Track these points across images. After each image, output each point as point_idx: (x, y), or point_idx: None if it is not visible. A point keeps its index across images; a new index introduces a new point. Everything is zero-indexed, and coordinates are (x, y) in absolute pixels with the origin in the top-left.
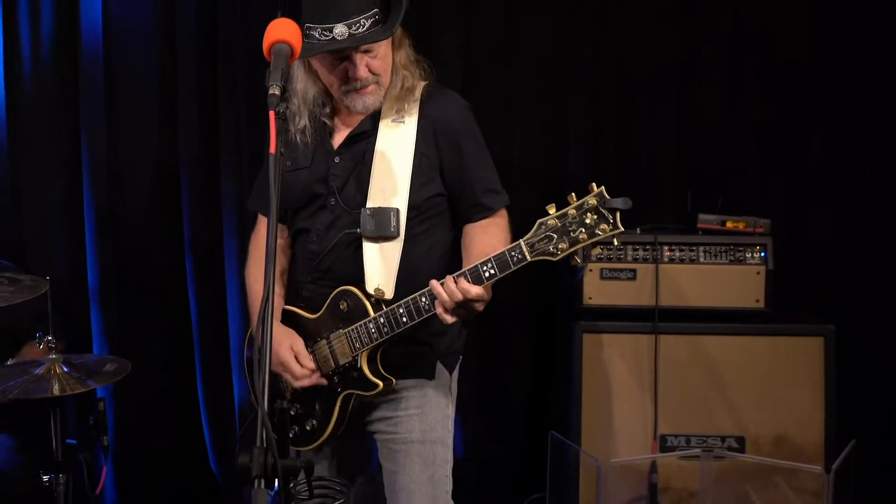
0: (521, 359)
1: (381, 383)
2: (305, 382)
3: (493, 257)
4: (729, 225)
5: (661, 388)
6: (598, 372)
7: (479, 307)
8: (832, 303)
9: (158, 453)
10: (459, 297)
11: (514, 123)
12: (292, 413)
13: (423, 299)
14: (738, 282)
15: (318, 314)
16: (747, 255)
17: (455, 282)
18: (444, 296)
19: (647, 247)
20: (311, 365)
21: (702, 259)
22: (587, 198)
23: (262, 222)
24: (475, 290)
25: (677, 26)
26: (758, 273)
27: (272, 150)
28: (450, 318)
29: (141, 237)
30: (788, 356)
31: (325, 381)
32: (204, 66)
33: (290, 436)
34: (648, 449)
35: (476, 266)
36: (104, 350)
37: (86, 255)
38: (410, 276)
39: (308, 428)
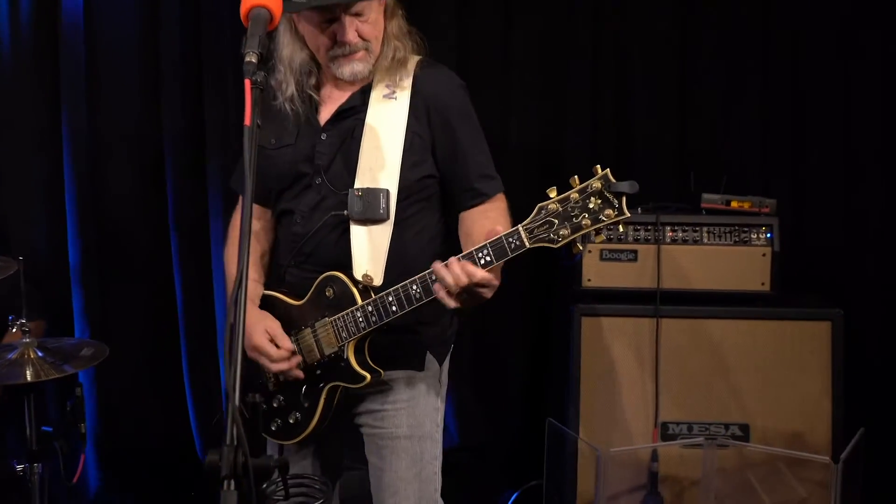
0: (516, 343)
1: (368, 375)
2: (284, 366)
3: (489, 243)
4: (734, 205)
5: (663, 374)
6: (597, 357)
7: (487, 294)
8: (839, 286)
9: (143, 438)
10: (465, 280)
11: (510, 104)
12: (275, 405)
13: (415, 287)
14: (742, 264)
15: (303, 301)
16: (753, 236)
17: (459, 263)
18: (449, 278)
19: (649, 227)
20: (289, 345)
21: (705, 240)
22: (591, 181)
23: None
24: (481, 274)
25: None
26: (763, 255)
27: (247, 121)
28: (452, 303)
29: (124, 216)
30: (794, 341)
31: (301, 368)
32: (189, 39)
33: (273, 429)
34: (649, 437)
35: (471, 252)
36: (85, 332)
37: (66, 233)
38: (400, 262)
39: (291, 421)
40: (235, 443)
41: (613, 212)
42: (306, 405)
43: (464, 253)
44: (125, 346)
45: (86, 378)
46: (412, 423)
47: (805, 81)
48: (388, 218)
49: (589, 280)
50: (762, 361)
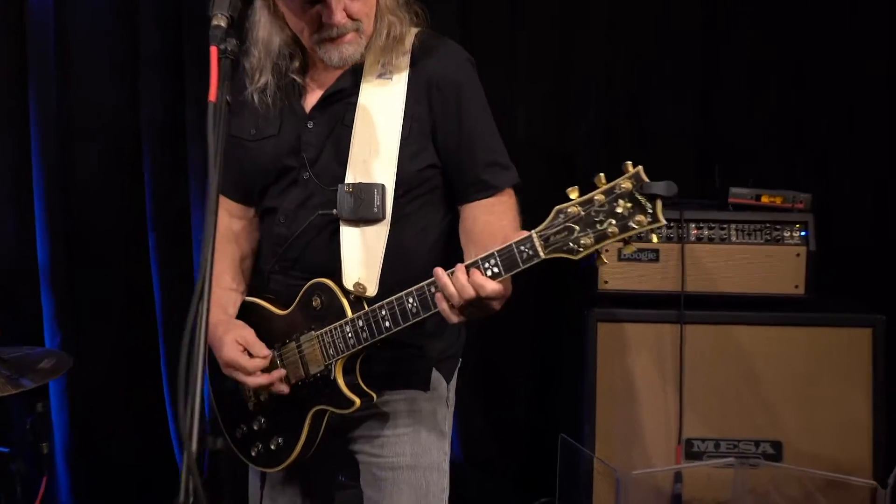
0: (524, 351)
1: (357, 400)
2: (262, 379)
3: (497, 252)
4: (764, 200)
5: (687, 386)
6: (614, 366)
7: (496, 306)
8: (880, 289)
9: (120, 452)
10: (471, 293)
11: (518, 92)
12: (255, 428)
13: (411, 300)
14: (774, 264)
15: (288, 310)
16: (785, 234)
17: (467, 273)
18: (452, 290)
19: (672, 224)
20: (265, 352)
21: (734, 238)
22: (620, 180)
23: (222, 202)
24: (491, 287)
25: None
26: (797, 255)
27: (212, 96)
28: (455, 318)
29: (97, 209)
30: (832, 349)
31: (283, 375)
32: (170, 21)
33: (253, 454)
34: (672, 455)
35: (476, 261)
36: (56, 338)
37: (35, 229)
38: (398, 268)
39: (273, 447)
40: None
41: (646, 218)
42: (289, 429)
43: (469, 261)
44: (100, 354)
45: (56, 388)
46: (416, 452)
47: (838, 67)
48: (383, 217)
49: (606, 282)
50: (796, 372)
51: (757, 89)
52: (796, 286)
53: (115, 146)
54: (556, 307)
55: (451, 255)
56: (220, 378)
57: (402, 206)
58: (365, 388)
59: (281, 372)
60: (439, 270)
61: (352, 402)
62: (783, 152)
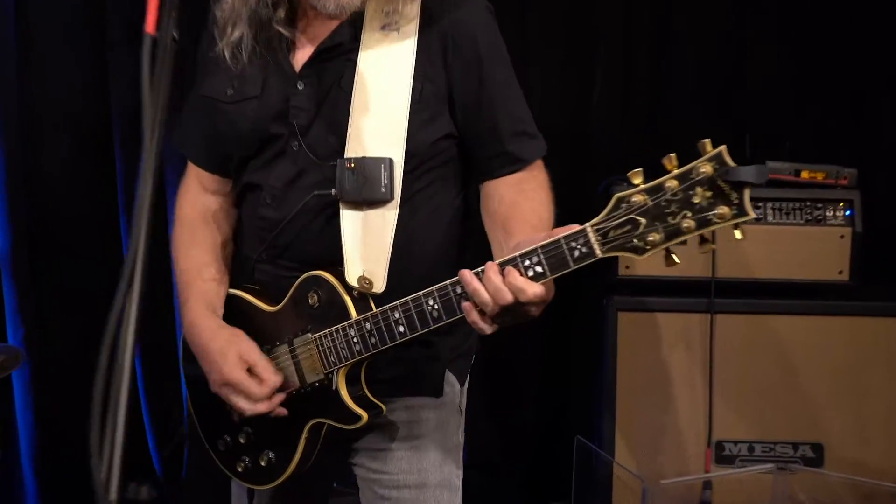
0: (535, 343)
1: (364, 415)
2: (263, 407)
3: (542, 248)
4: (804, 175)
5: (718, 382)
6: (636, 360)
7: (536, 312)
8: None
9: (90, 450)
10: (509, 298)
11: (529, 55)
12: (241, 441)
13: (431, 302)
14: (815, 247)
15: (278, 307)
16: (828, 213)
17: (502, 273)
18: (485, 296)
19: None
20: (275, 379)
21: (770, 218)
22: (697, 163)
23: (192, 171)
24: (534, 291)
25: None
26: (841, 237)
27: (149, 27)
28: (488, 328)
29: (64, 197)
30: (879, 341)
31: (284, 407)
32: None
33: (240, 470)
34: (701, 459)
35: (515, 258)
36: (19, 331)
37: None
38: (409, 258)
39: (263, 463)
40: None
41: (730, 210)
42: (282, 444)
43: (504, 257)
44: (66, 349)
45: (20, 386)
46: (424, 468)
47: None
48: (391, 198)
49: (627, 267)
50: (839, 366)
51: (793, 51)
52: (840, 272)
53: (83, 131)
54: (570, 295)
55: (465, 240)
56: (200, 380)
57: (412, 184)
58: (373, 398)
59: (282, 396)
60: (466, 273)
61: (358, 417)
62: (823, 123)
